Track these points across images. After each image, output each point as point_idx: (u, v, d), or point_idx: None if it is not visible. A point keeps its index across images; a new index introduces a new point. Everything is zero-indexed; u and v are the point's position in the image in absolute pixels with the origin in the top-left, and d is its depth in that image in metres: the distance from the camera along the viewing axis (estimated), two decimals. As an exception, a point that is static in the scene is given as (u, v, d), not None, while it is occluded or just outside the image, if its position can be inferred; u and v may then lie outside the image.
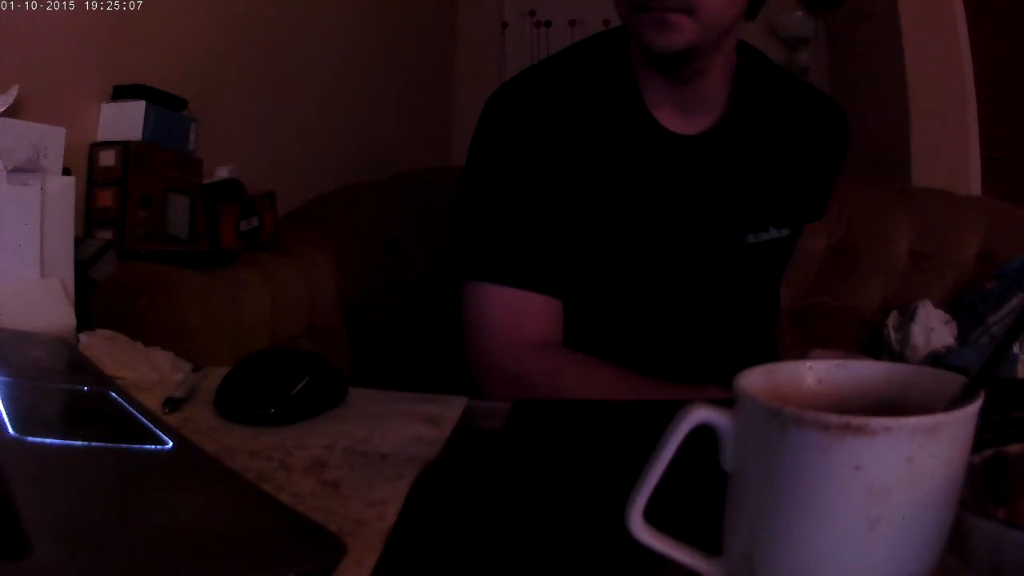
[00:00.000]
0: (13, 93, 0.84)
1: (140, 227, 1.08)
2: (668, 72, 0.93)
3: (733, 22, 0.90)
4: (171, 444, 0.51)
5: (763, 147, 0.99)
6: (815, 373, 0.39)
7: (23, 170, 0.79)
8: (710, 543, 0.37)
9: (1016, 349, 1.33)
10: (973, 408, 0.33)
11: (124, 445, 0.50)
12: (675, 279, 1.00)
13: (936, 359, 1.48)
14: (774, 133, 1.00)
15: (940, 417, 0.32)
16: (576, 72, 0.98)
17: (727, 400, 0.36)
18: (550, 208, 0.94)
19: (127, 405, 0.57)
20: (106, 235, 1.04)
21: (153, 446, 0.51)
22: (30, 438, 0.48)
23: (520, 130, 0.95)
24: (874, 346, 1.64)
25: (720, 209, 0.98)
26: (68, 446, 0.48)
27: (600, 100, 0.96)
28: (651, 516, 0.36)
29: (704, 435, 0.36)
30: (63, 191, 0.82)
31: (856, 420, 0.31)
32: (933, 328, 1.55)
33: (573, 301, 0.98)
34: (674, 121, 0.97)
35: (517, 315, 0.92)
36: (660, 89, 0.95)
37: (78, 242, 0.87)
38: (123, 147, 1.07)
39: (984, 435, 0.36)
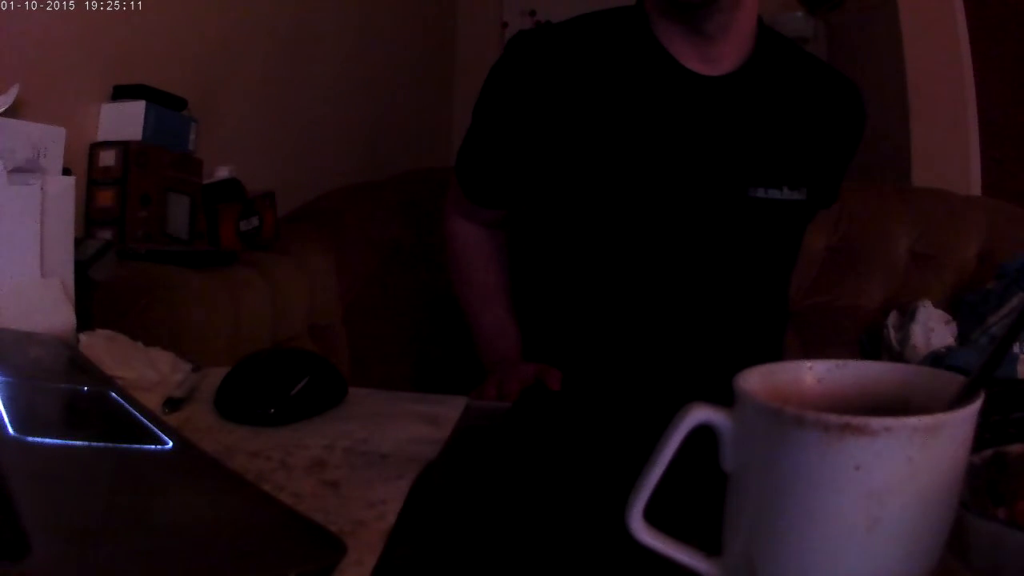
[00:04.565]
0: (13, 93, 0.83)
1: (140, 227, 1.08)
2: (691, 24, 0.98)
3: None
4: (171, 444, 0.51)
5: (778, 101, 1.03)
6: (815, 373, 0.39)
7: (23, 170, 0.78)
8: (710, 543, 0.37)
9: (1016, 349, 1.33)
10: (973, 408, 0.33)
11: (124, 445, 0.50)
12: (679, 227, 1.02)
13: (936, 359, 1.47)
14: (791, 91, 1.04)
15: (940, 417, 0.32)
16: (593, 24, 1.05)
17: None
18: (539, 137, 1.03)
19: (127, 405, 0.56)
20: (106, 235, 1.04)
21: (153, 446, 0.51)
22: (30, 438, 0.48)
23: (522, 64, 1.05)
24: (874, 346, 1.64)
25: (728, 157, 1.00)
26: (68, 446, 0.48)
27: (617, 45, 1.03)
28: (651, 516, 0.36)
29: (704, 435, 0.36)
30: (63, 191, 0.82)
31: (856, 420, 0.31)
32: (933, 328, 1.55)
33: (578, 253, 1.05)
34: (694, 63, 1.01)
35: (463, 205, 1.17)
36: (681, 40, 1.00)
37: (78, 242, 0.87)
38: (123, 147, 1.07)
39: (984, 435, 0.36)
